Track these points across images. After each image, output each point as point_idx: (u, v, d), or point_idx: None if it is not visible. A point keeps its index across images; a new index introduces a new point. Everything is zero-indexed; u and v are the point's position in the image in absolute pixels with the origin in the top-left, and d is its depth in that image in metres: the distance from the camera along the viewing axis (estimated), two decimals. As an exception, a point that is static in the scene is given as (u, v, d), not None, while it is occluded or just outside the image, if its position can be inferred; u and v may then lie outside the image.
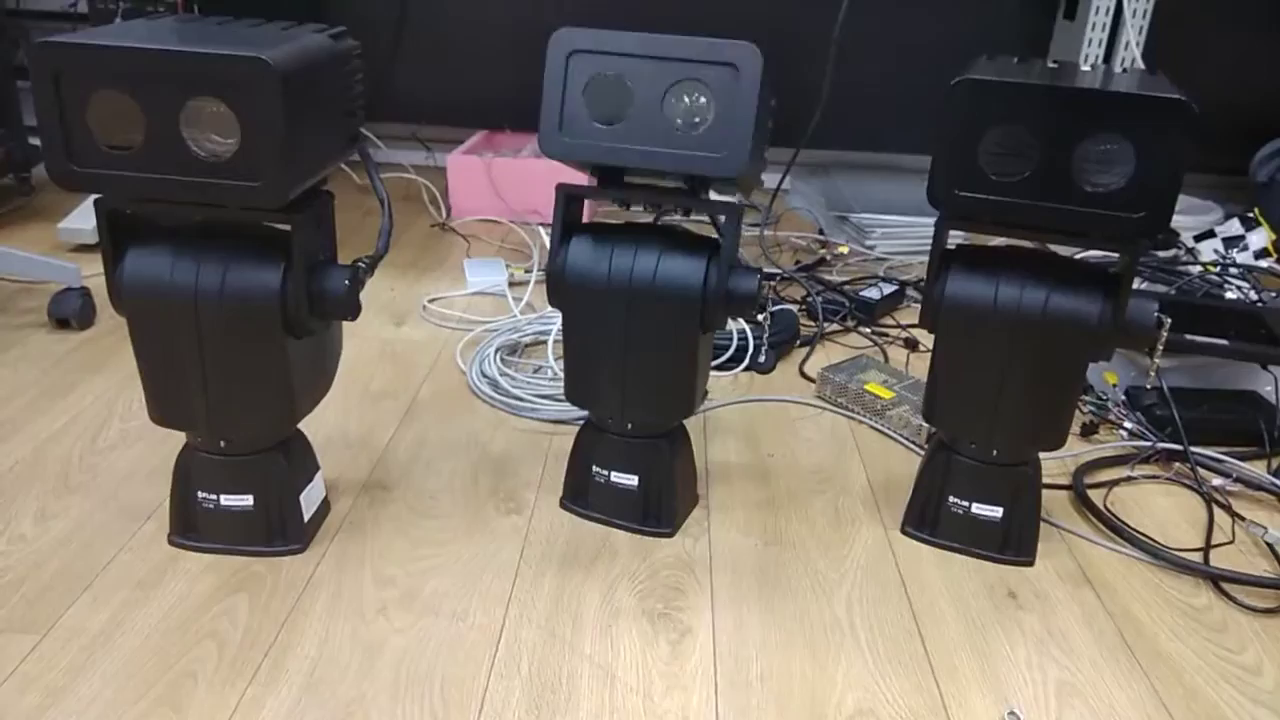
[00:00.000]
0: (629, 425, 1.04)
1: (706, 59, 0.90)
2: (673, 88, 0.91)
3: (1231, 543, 1.10)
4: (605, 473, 1.06)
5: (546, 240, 0.89)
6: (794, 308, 1.62)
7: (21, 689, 0.82)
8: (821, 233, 2.06)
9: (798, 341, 1.53)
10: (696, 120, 0.91)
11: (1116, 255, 0.93)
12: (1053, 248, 1.03)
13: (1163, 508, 1.16)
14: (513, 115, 2.32)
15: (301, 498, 1.00)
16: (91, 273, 1.52)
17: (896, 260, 1.93)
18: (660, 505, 1.06)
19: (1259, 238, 1.86)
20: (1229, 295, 1.62)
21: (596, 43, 0.91)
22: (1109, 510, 1.13)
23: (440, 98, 2.44)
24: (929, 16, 2.33)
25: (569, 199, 0.98)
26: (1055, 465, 1.22)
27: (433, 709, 0.82)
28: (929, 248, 0.97)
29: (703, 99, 0.91)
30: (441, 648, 0.89)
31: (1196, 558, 1.06)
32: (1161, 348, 0.95)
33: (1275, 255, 1.85)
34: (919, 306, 1.00)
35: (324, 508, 1.06)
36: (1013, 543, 1.04)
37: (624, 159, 0.92)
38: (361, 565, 0.99)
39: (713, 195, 0.99)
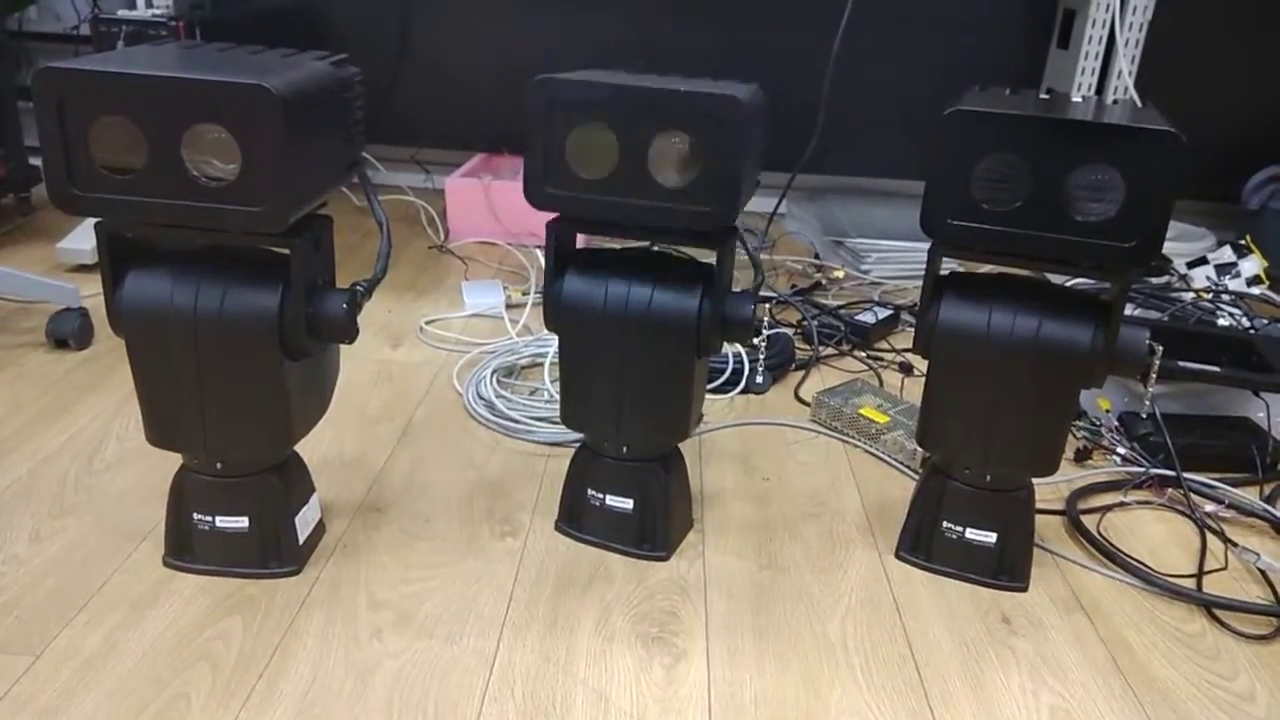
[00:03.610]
0: (624, 449, 1.04)
1: (691, 109, 0.88)
2: (657, 137, 0.90)
3: (1224, 569, 1.10)
4: (600, 496, 1.07)
5: (544, 263, 0.89)
6: (790, 332, 1.63)
7: (15, 710, 0.82)
8: (817, 257, 2.07)
9: (793, 365, 1.54)
10: (684, 172, 0.90)
11: (1109, 283, 0.94)
12: (1045, 275, 1.04)
13: (1156, 533, 1.16)
14: (511, 139, 2.34)
15: (297, 519, 1.00)
16: (90, 293, 1.53)
17: (891, 285, 1.94)
18: (655, 529, 1.06)
19: (1251, 265, 1.87)
20: (1221, 322, 1.63)
21: (577, 91, 0.90)
22: (1102, 536, 1.13)
23: (439, 121, 2.45)
24: (925, 44, 2.35)
25: (560, 236, 0.98)
26: (1049, 491, 1.23)
27: (426, 733, 0.82)
28: (924, 273, 0.98)
29: (687, 148, 0.90)
30: (435, 671, 0.89)
31: (1189, 584, 1.06)
32: (1154, 374, 0.96)
33: (1267, 282, 1.87)
34: (914, 331, 1.01)
35: (319, 530, 1.06)
36: (1006, 568, 1.04)
37: (610, 214, 0.92)
38: (356, 588, 0.99)
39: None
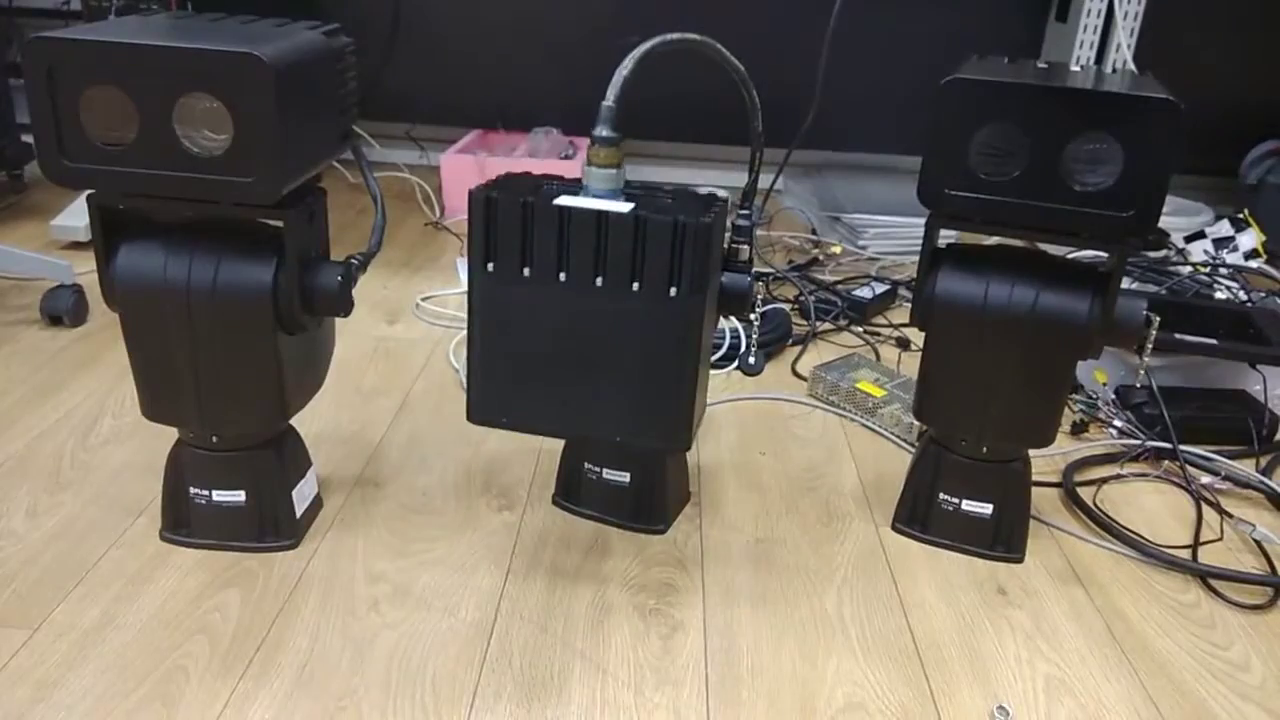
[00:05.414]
0: (621, 422, 1.04)
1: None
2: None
3: (1220, 540, 1.10)
4: (597, 470, 1.07)
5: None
6: (787, 307, 1.62)
7: (12, 683, 0.82)
8: (814, 232, 2.07)
9: (790, 340, 1.54)
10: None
11: (1106, 254, 0.94)
12: (1043, 247, 1.04)
13: (1152, 505, 1.17)
14: (506, 115, 2.33)
15: (294, 493, 1.00)
16: (84, 270, 1.52)
17: (889, 260, 1.93)
18: (652, 502, 1.06)
19: (1248, 239, 1.87)
20: (1218, 295, 1.63)
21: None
22: (1098, 508, 1.14)
23: (434, 97, 2.44)
24: (922, 17, 2.34)
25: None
26: (1045, 463, 1.23)
27: (424, 703, 0.82)
28: (921, 246, 0.98)
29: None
30: (433, 643, 0.89)
31: (1185, 555, 1.07)
32: (1150, 346, 0.96)
33: (1264, 256, 1.87)
34: (911, 302, 1.01)
35: (316, 504, 1.06)
36: (1002, 539, 1.05)
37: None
38: (353, 561, 0.99)
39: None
